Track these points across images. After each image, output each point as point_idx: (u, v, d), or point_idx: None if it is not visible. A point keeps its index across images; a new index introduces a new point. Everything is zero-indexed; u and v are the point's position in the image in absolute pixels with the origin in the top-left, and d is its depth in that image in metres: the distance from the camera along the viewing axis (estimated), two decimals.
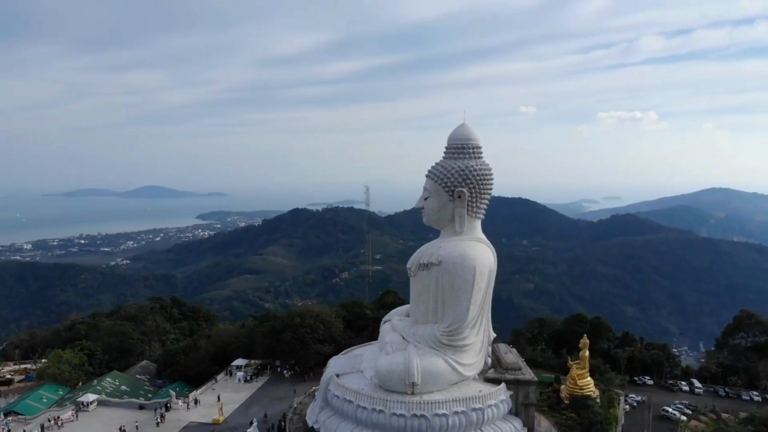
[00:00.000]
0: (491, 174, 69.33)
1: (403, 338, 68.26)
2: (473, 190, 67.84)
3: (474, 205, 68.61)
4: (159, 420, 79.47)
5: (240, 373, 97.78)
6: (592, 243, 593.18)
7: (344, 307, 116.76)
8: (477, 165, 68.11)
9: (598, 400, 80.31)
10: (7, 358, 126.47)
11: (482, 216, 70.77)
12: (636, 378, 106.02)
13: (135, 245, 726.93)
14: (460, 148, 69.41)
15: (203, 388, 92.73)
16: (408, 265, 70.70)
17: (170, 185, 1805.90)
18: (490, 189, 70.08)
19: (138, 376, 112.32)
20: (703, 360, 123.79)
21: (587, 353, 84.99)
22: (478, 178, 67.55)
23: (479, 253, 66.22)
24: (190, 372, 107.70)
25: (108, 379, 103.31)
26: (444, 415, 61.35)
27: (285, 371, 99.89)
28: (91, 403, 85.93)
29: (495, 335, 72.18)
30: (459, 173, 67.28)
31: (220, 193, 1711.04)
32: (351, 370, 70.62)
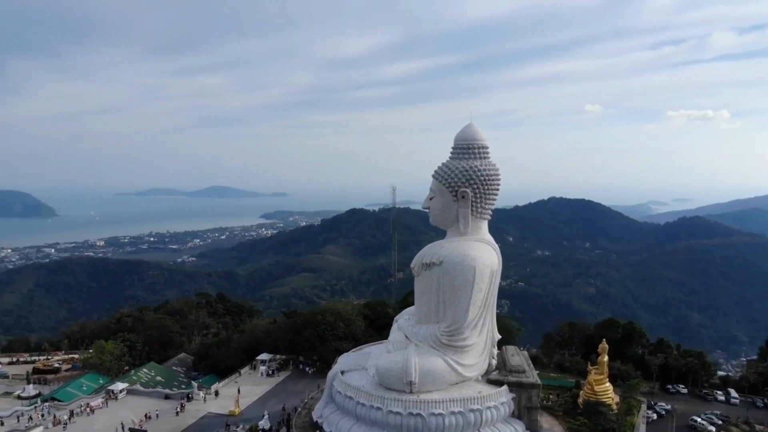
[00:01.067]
0: (497, 175, 68.87)
1: (407, 337, 68.71)
2: (477, 191, 67.61)
3: (479, 205, 68.35)
4: (179, 409, 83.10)
5: (263, 367, 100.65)
6: (657, 246, 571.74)
7: (368, 306, 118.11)
8: (482, 165, 67.79)
9: (615, 407, 77.90)
10: (57, 348, 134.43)
11: (488, 217, 70.36)
12: (669, 386, 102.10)
13: (201, 243, 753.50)
14: (466, 148, 69.30)
15: (226, 380, 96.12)
16: (412, 265, 71.11)
17: (236, 185, 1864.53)
18: (496, 190, 69.62)
19: (175, 367, 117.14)
20: (740, 369, 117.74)
21: (606, 358, 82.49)
22: (482, 178, 67.23)
23: (481, 254, 65.85)
24: (222, 365, 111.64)
25: (144, 369, 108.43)
26: (440, 414, 61.41)
27: (307, 367, 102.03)
28: (121, 391, 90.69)
29: (500, 336, 71.55)
30: (463, 173, 67.22)
31: (283, 193, 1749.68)
32: (356, 368, 71.70)
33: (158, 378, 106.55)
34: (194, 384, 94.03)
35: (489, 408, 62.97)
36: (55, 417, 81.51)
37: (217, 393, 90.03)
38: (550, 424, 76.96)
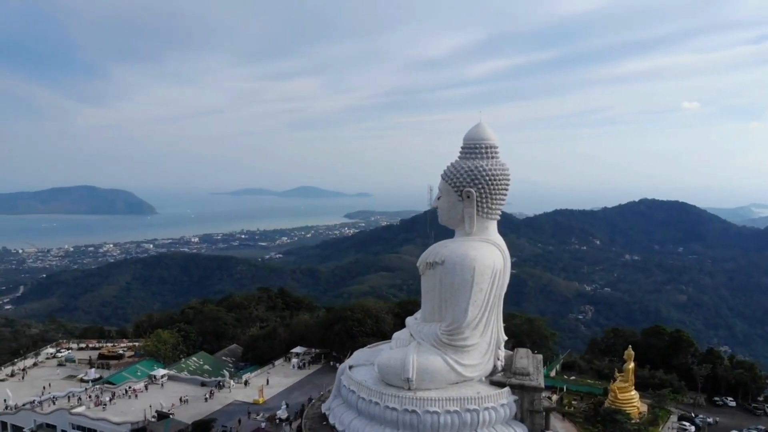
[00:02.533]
0: (504, 175, 68.12)
1: (411, 335, 69.31)
2: (482, 191, 67.22)
3: (484, 205, 67.92)
4: (208, 396, 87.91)
5: (295, 360, 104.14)
6: (757, 252, 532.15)
7: (400, 305, 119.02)
8: (487, 165, 67.33)
9: (636, 416, 74.78)
10: (124, 335, 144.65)
11: (496, 217, 69.78)
12: (717, 398, 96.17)
13: (288, 241, 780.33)
14: (473, 148, 69.11)
15: (259, 371, 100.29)
16: (417, 264, 71.56)
17: (322, 186, 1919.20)
18: (504, 190, 68.87)
19: (224, 357, 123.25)
20: None
21: (632, 365, 79.68)
22: (487, 178, 66.79)
23: (482, 254, 65.39)
24: (267, 357, 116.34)
25: (194, 358, 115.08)
26: (435, 412, 61.75)
27: (337, 362, 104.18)
28: (162, 377, 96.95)
29: (506, 338, 70.60)
30: (468, 173, 67.10)
31: (366, 193, 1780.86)
32: (365, 363, 72.91)
33: (206, 366, 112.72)
34: (226, 373, 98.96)
35: (487, 409, 62.50)
36: (98, 398, 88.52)
37: (246, 382, 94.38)
38: (568, 430, 75.36)
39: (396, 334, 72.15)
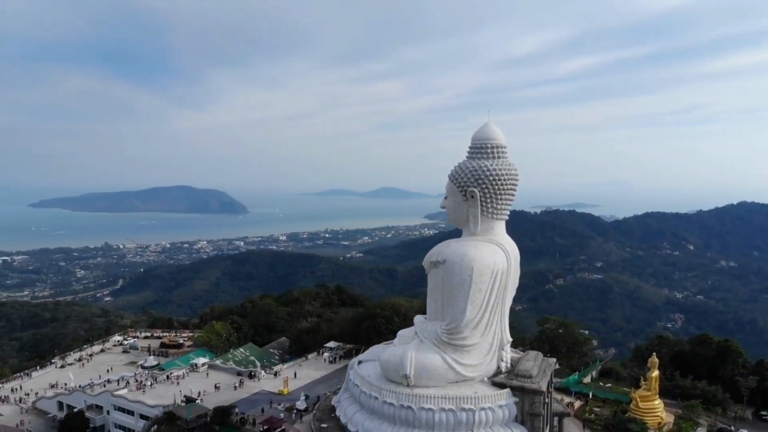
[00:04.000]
0: (509, 175, 67.52)
1: (416, 333, 70.12)
2: (486, 191, 66.98)
3: (489, 205, 67.63)
4: (238, 384, 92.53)
5: (326, 354, 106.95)
6: None
7: None
8: (492, 165, 67.00)
9: (652, 427, 71.60)
10: (185, 326, 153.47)
11: (502, 217, 69.17)
12: (764, 413, 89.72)
13: (369, 240, 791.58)
14: (479, 148, 69.03)
15: (291, 363, 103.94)
16: (423, 263, 72.11)
17: (404, 187, 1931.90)
18: (510, 190, 68.26)
19: (272, 350, 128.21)
20: None
21: (655, 374, 76.23)
22: (491, 178, 66.50)
23: (481, 254, 65.12)
24: (309, 350, 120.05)
25: (241, 349, 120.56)
26: (430, 410, 62.42)
27: None
28: (202, 365, 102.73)
29: (511, 339, 69.78)
30: (471, 173, 67.15)
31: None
32: (374, 359, 74.35)
33: (251, 357, 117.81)
34: (258, 363, 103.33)
35: (484, 409, 62.44)
36: (140, 382, 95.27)
37: (276, 374, 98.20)
38: None
39: (401, 332, 73.30)
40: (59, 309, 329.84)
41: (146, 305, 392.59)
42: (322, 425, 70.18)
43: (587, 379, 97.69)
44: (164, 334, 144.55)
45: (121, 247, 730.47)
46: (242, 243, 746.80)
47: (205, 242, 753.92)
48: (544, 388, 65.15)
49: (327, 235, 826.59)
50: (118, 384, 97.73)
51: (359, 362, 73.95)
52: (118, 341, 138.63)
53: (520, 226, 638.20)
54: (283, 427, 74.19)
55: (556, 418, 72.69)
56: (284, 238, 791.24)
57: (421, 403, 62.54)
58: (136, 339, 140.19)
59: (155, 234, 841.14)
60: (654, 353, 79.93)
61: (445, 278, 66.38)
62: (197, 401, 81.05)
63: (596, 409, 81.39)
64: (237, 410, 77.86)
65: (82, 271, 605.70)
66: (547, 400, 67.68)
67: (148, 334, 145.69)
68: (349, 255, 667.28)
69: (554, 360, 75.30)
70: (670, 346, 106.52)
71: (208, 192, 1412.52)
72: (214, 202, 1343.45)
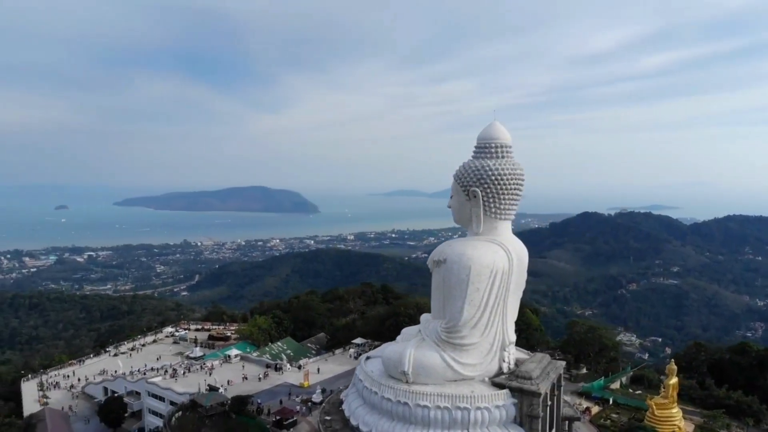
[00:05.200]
0: (513, 175, 67.04)
1: (419, 331, 70.85)
2: (488, 190, 66.88)
3: (491, 205, 67.46)
4: (262, 376, 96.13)
5: (352, 350, 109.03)
6: None
7: None
8: (495, 164, 66.83)
9: None
10: (233, 320, 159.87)
11: (506, 217, 68.76)
12: None
13: (435, 241, 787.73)
14: (483, 147, 69.06)
15: (317, 357, 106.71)
16: (427, 262, 72.67)
17: None
18: (514, 190, 67.75)
19: (309, 344, 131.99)
20: None
21: (673, 381, 73.20)
22: (492, 178, 66.35)
23: (480, 253, 64.98)
24: (346, 345, 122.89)
25: (279, 343, 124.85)
26: (426, 407, 63.04)
27: None
28: (235, 356, 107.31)
29: (514, 340, 69.15)
30: (474, 173, 67.25)
31: None
32: (380, 355, 75.54)
33: (288, 351, 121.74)
34: (284, 357, 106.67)
35: (479, 409, 62.46)
36: (174, 371, 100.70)
37: (300, 367, 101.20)
38: None
39: (405, 329, 74.34)
40: (136, 302, 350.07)
41: (219, 300, 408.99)
42: (326, 417, 72.25)
43: (616, 385, 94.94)
44: (213, 326, 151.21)
45: (199, 244, 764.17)
46: (312, 242, 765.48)
47: (277, 240, 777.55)
48: (543, 391, 64.28)
49: (393, 235, 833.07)
50: (157, 372, 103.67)
51: (367, 358, 75.42)
52: (170, 332, 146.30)
53: (592, 228, 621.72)
54: (294, 418, 76.84)
55: (566, 422, 71.59)
56: (352, 237, 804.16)
57: (417, 400, 63.32)
58: (187, 331, 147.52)
59: (231, 232, 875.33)
60: (672, 360, 76.77)
61: (445, 277, 66.73)
62: (220, 390, 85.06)
63: (614, 415, 79.39)
64: (256, 400, 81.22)
65: (162, 267, 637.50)
66: (550, 402, 66.85)
67: (199, 327, 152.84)
68: (414, 255, 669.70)
69: (563, 363, 73.85)
70: (708, 353, 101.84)
71: (281, 192, 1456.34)
72: (288, 202, 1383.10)
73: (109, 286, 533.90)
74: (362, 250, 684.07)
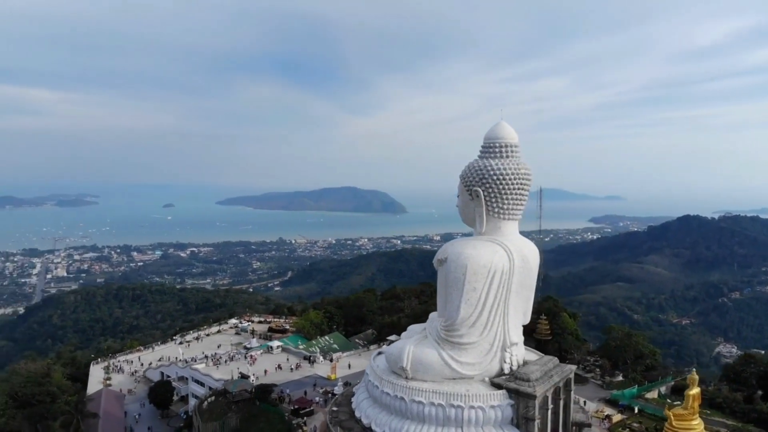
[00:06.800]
0: (516, 174, 66.47)
1: (424, 328, 71.81)
2: (491, 190, 66.78)
3: (494, 205, 67.31)
4: (294, 367, 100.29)
5: (385, 346, 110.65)
6: None
7: None
8: (498, 164, 66.62)
9: None
10: (293, 313, 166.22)
11: (511, 217, 68.32)
12: None
13: None
14: (488, 147, 69.04)
15: (351, 352, 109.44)
16: (433, 260, 73.31)
17: (567, 188, 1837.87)
18: (518, 190, 67.19)
19: (357, 340, 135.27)
20: None
21: (694, 391, 68.98)
22: (495, 177, 66.18)
23: (479, 253, 64.95)
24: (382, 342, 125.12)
25: (326, 337, 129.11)
26: (420, 402, 64.05)
27: None
28: (276, 348, 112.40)
29: (517, 341, 68.25)
30: (477, 172, 67.42)
31: (617, 196, 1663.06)
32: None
33: (334, 345, 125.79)
34: (318, 350, 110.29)
35: (474, 408, 62.66)
36: (219, 359, 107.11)
37: (331, 360, 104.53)
38: None
39: (410, 327, 75.51)
40: (229, 296, 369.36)
41: (308, 296, 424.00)
42: (334, 408, 74.82)
43: (653, 394, 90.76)
44: (274, 319, 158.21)
45: (293, 242, 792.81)
46: (399, 241, 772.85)
47: (366, 239, 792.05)
48: (541, 393, 63.31)
49: None
50: (207, 359, 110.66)
51: (379, 353, 77.25)
52: (234, 324, 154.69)
53: (693, 232, 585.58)
54: (312, 408, 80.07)
55: (574, 428, 69.99)
56: (438, 238, 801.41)
57: (412, 396, 64.45)
58: (249, 323, 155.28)
59: (323, 231, 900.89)
60: (694, 370, 72.53)
61: (446, 276, 67.37)
62: (250, 379, 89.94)
63: (635, 424, 76.24)
64: (280, 389, 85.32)
65: (258, 263, 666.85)
66: (552, 406, 65.76)
67: (262, 319, 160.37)
68: None
69: (573, 367, 71.92)
70: (759, 365, 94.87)
71: (371, 192, 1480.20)
72: (377, 202, 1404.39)
73: (208, 281, 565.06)
74: None
